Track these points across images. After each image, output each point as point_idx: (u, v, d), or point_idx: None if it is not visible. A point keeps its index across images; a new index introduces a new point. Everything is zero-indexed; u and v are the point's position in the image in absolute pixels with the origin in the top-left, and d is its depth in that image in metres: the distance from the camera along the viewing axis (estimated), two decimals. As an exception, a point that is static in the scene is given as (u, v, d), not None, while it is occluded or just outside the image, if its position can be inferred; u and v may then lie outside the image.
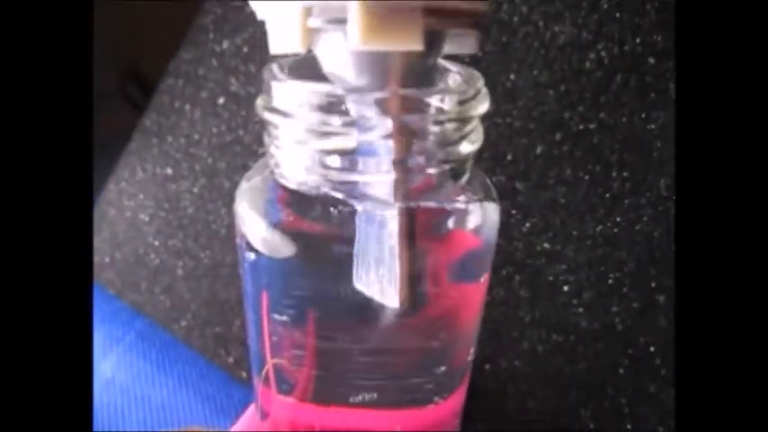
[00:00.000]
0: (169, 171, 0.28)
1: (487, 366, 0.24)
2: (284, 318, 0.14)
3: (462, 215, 0.14)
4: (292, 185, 0.13)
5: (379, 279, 0.12)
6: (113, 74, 0.34)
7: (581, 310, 0.24)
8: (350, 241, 0.13)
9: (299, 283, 0.14)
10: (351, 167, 0.12)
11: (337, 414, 0.15)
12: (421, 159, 0.12)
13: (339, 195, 0.12)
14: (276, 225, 0.13)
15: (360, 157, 0.12)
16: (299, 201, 0.13)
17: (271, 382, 0.16)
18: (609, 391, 0.23)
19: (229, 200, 0.14)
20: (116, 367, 0.25)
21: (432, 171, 0.12)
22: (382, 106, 0.11)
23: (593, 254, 0.23)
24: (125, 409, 0.23)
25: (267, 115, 0.12)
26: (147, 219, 0.29)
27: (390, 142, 0.12)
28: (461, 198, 0.13)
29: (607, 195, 0.23)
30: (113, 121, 0.32)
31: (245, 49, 0.27)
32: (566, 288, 0.24)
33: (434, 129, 0.12)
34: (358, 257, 0.13)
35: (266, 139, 0.13)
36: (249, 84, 0.27)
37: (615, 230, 0.23)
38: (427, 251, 0.14)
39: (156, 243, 0.28)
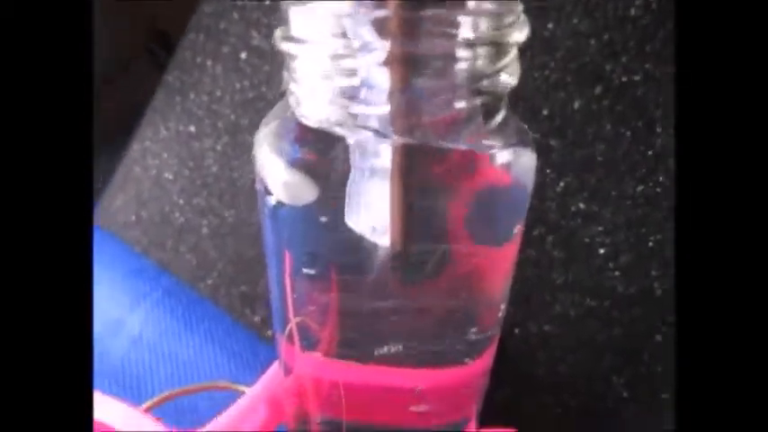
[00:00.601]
0: (192, 129, 0.28)
1: (517, 330, 0.24)
2: (306, 271, 0.14)
3: (491, 158, 0.13)
4: (313, 123, 0.12)
5: (371, 217, 0.11)
6: (137, 32, 0.33)
7: (617, 273, 0.23)
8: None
9: (321, 231, 0.13)
10: (354, 98, 0.11)
11: (361, 370, 0.15)
12: (447, 90, 0.11)
13: (341, 129, 0.11)
14: (296, 165, 0.12)
15: (363, 86, 0.11)
16: (320, 139, 0.12)
17: (294, 339, 0.16)
18: (644, 358, 0.22)
19: (253, 157, 0.14)
20: (143, 323, 0.25)
21: (459, 105, 0.11)
22: (379, 27, 0.10)
23: (632, 215, 0.22)
24: (152, 365, 0.24)
25: (285, 46, 0.11)
26: (171, 177, 0.28)
27: (388, 70, 0.10)
28: (491, 141, 0.12)
29: (650, 153, 0.22)
30: (138, 80, 0.32)
31: (267, 1, 0.26)
32: (602, 250, 0.23)
33: (464, 54, 0.10)
34: (350, 193, 0.12)
35: (285, 77, 0.12)
36: (271, 37, 0.26)
37: (657, 190, 0.22)
38: (449, 190, 0.13)
39: (181, 201, 0.28)
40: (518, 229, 0.14)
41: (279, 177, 0.12)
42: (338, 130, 0.11)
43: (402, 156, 0.11)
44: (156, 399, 0.19)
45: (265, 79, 0.26)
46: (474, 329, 0.15)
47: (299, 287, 0.15)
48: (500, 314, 0.16)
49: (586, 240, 0.23)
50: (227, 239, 0.27)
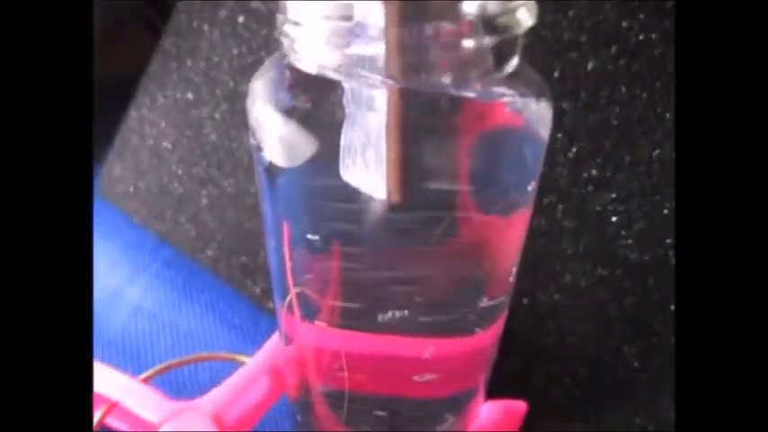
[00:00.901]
0: (190, 96, 0.27)
1: (525, 300, 0.23)
2: (309, 236, 0.13)
3: (504, 105, 0.11)
4: (308, 68, 0.11)
5: (366, 167, 0.11)
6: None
7: (630, 242, 0.22)
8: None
9: (319, 193, 0.12)
10: (350, 38, 0.10)
11: (364, 339, 0.14)
12: (453, 28, 0.10)
13: (337, 74, 0.10)
14: (291, 115, 0.11)
15: (358, 25, 0.10)
16: (316, 87, 0.11)
17: (294, 309, 0.15)
18: (657, 328, 0.22)
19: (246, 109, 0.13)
20: (143, 294, 0.25)
21: (467, 45, 0.10)
22: None
23: (646, 181, 0.21)
24: (152, 336, 0.23)
25: None
26: (169, 146, 0.28)
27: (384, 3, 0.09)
28: (502, 90, 0.11)
29: (667, 116, 0.21)
30: (131, 46, 0.31)
31: (266, -39, 0.25)
32: (614, 218, 0.22)
33: None
34: (345, 143, 0.11)
35: (280, 20, 0.11)
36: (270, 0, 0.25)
37: (674, 155, 0.21)
38: (454, 141, 0.12)
39: (180, 171, 0.27)
40: (533, 186, 0.13)
41: (273, 130, 0.11)
42: (334, 75, 0.10)
43: (398, 101, 0.10)
44: (153, 369, 0.19)
45: (264, 44, 0.25)
46: (484, 298, 0.15)
47: (298, 255, 0.14)
48: (510, 281, 0.15)
49: (598, 208, 0.22)
50: (227, 210, 0.27)
